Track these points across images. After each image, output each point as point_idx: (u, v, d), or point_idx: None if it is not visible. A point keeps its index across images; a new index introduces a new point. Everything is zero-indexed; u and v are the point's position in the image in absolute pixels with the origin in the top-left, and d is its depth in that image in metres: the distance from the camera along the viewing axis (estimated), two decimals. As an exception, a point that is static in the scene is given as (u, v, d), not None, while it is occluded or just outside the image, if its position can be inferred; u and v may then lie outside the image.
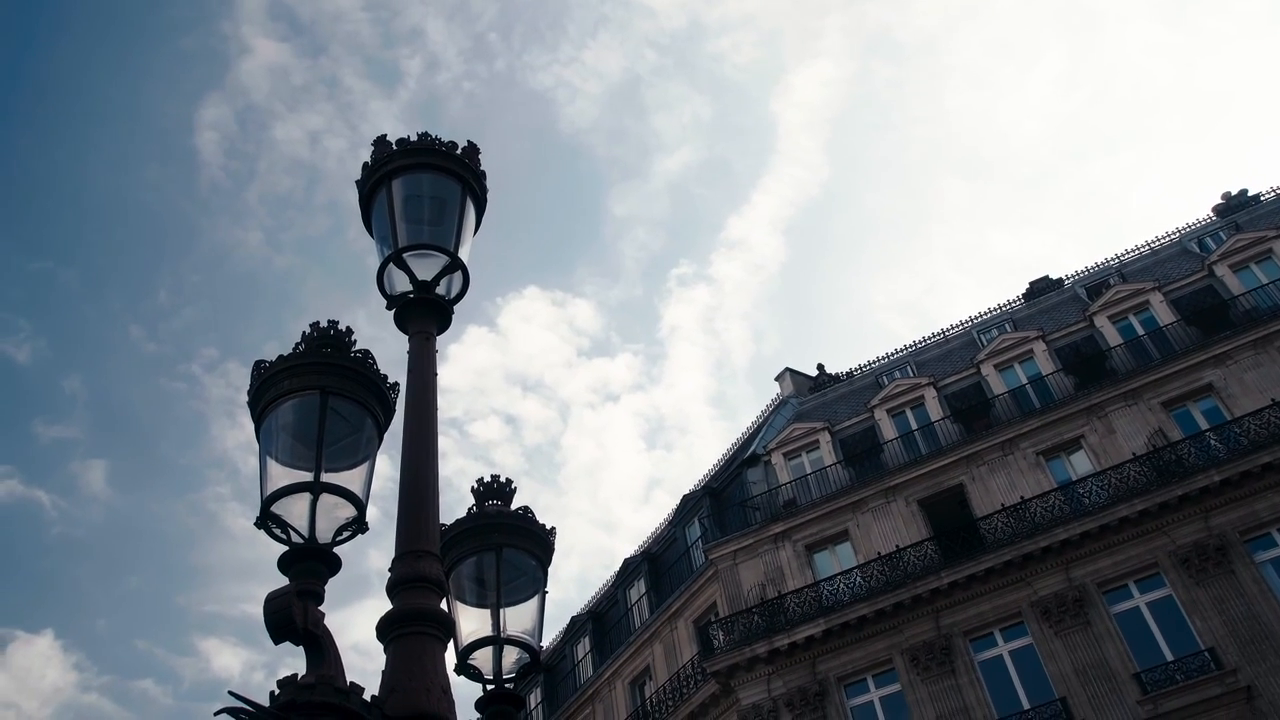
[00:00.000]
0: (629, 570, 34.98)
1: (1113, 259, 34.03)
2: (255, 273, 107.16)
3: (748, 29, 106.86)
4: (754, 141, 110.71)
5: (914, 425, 30.13)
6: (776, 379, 36.79)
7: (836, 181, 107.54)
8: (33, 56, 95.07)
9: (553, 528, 4.60)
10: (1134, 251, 33.66)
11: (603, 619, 35.73)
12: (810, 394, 35.58)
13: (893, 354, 35.14)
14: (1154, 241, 33.47)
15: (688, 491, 34.21)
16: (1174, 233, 33.33)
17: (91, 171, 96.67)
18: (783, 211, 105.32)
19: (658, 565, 33.77)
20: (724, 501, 31.69)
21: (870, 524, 28.01)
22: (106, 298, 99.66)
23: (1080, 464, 26.97)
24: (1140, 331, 28.81)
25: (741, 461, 32.09)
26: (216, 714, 2.76)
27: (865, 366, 35.48)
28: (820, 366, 36.72)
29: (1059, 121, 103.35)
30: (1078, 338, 29.98)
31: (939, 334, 34.82)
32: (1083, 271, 34.45)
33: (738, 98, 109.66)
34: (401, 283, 4.74)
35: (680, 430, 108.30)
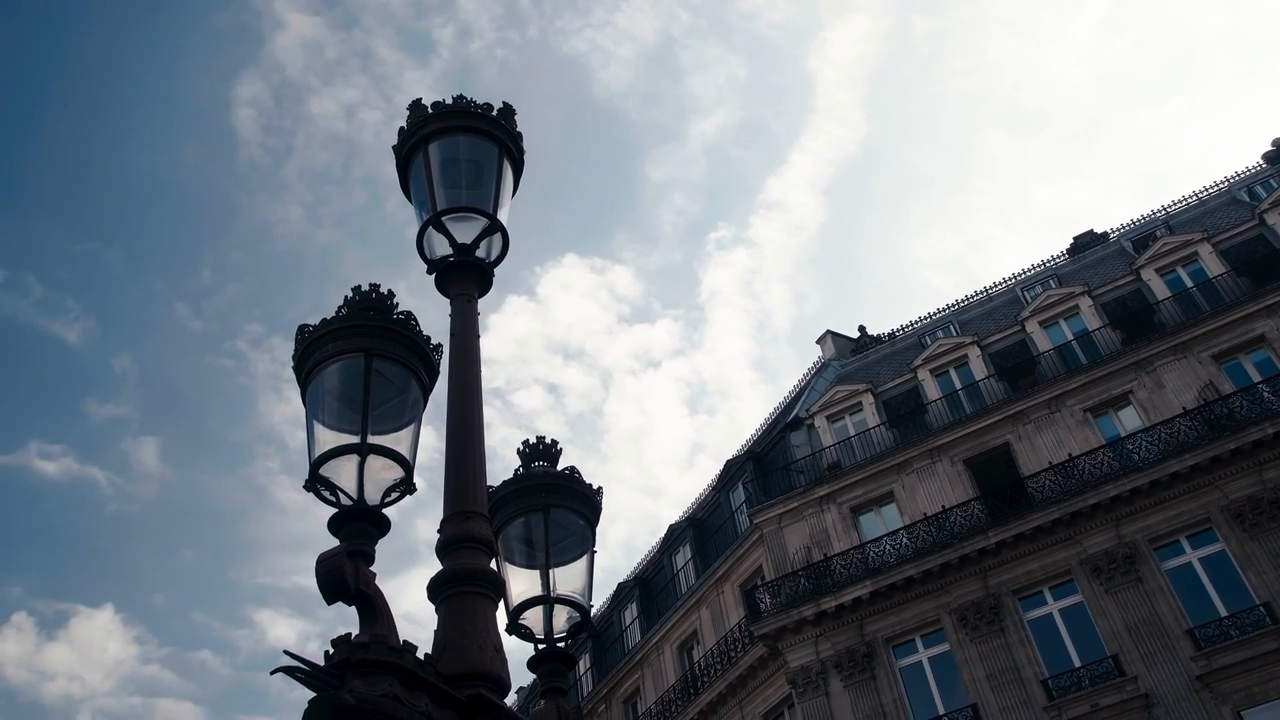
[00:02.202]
0: (674, 536, 35.12)
1: (1159, 211, 33.35)
2: (296, 248, 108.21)
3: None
4: (791, 101, 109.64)
5: (958, 385, 29.86)
6: (818, 342, 36.57)
7: (875, 138, 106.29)
8: (69, 39, 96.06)
9: (599, 488, 4.58)
10: (1181, 202, 32.97)
11: (649, 585, 35.95)
12: (852, 356, 35.34)
13: (935, 314, 34.78)
14: (1202, 191, 32.74)
15: (731, 456, 34.22)
16: (1222, 182, 32.59)
17: (132, 152, 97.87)
18: (821, 171, 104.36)
19: (703, 530, 33.87)
20: (767, 466, 31.65)
21: (915, 485, 27.86)
22: (151, 277, 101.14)
23: (1129, 420, 26.61)
24: (1189, 284, 28.27)
25: (784, 425, 32.01)
26: (273, 673, 2.78)
27: (907, 327, 35.16)
28: (862, 328, 36.45)
29: (1103, 69, 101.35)
30: (1124, 292, 29.48)
31: (982, 292, 34.39)
32: (1128, 224, 33.80)
33: (773, 56, 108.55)
34: (441, 246, 4.72)
35: (722, 395, 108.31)
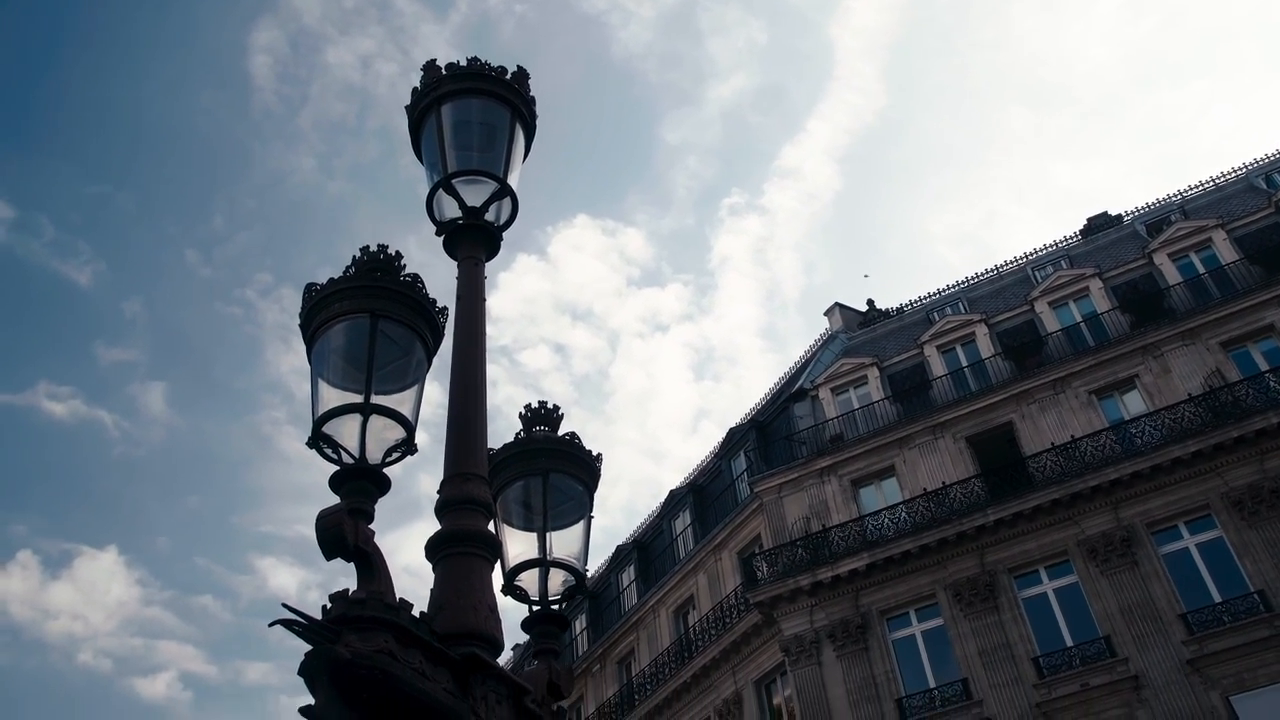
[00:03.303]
0: (674, 501, 35.31)
1: (1175, 195, 33.15)
2: (308, 199, 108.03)
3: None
4: (810, 68, 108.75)
5: (964, 362, 29.85)
6: (825, 314, 36.56)
7: (894, 109, 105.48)
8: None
9: (599, 454, 4.62)
10: (1198, 188, 32.75)
11: (648, 548, 36.20)
12: (859, 329, 35.34)
13: (944, 290, 34.70)
14: (1219, 177, 32.51)
15: (734, 424, 34.31)
16: (1241, 168, 32.35)
17: (147, 96, 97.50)
18: (838, 140, 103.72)
19: (703, 497, 34.05)
20: (770, 435, 31.75)
21: (917, 460, 27.95)
22: (163, 222, 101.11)
23: (1134, 404, 26.62)
24: (1201, 270, 28.15)
25: (789, 396, 32.07)
26: (272, 625, 2.84)
27: (916, 302, 35.11)
28: (870, 302, 36.42)
29: (1127, 48, 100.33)
30: (1136, 275, 29.37)
31: (992, 270, 34.29)
32: (1143, 208, 33.62)
33: (795, 22, 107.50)
34: (451, 209, 4.74)
35: (729, 361, 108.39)
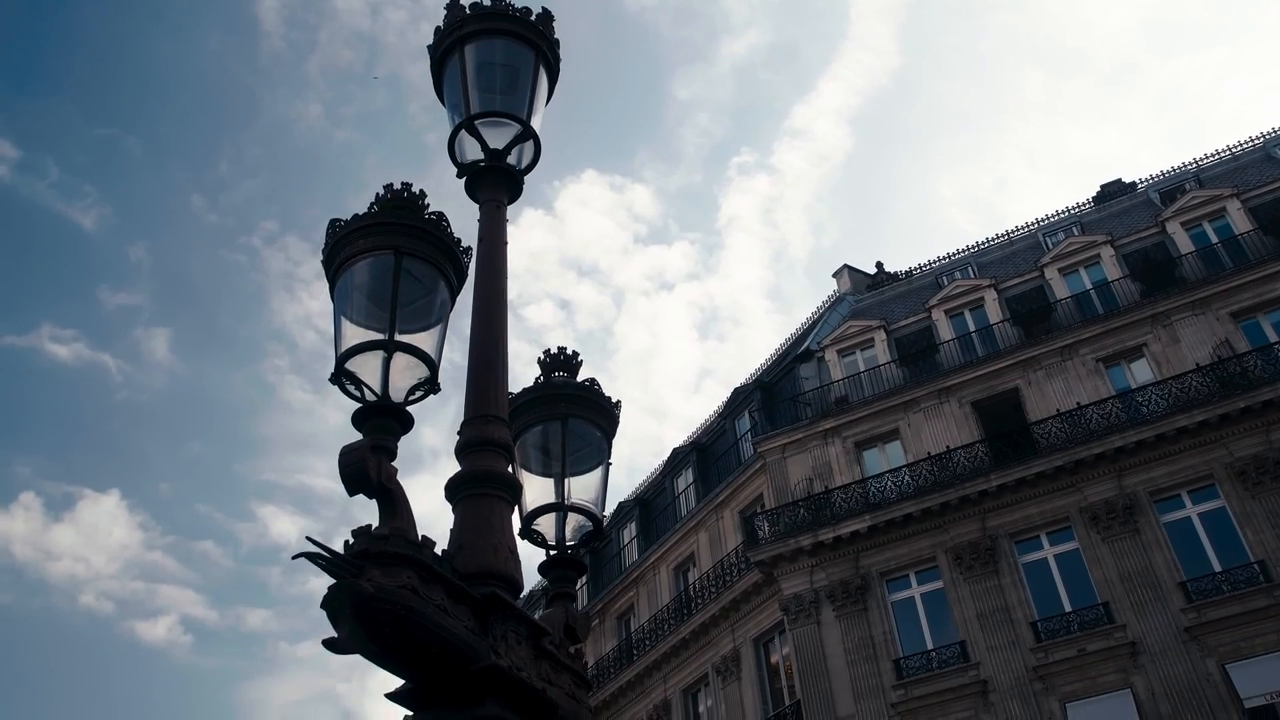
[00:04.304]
0: (677, 459, 35.41)
1: (1190, 164, 32.87)
2: (315, 146, 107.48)
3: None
4: (824, 25, 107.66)
5: (972, 327, 29.78)
6: (834, 275, 36.45)
7: (908, 70, 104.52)
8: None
9: (618, 401, 4.61)
10: (1214, 156, 32.46)
11: (649, 506, 36.36)
12: (868, 292, 35.24)
13: (954, 254, 34.54)
14: (1235, 146, 32.21)
15: (739, 384, 34.33)
16: (1258, 137, 32.04)
17: (154, 39, 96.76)
18: (850, 100, 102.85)
19: (706, 455, 34.14)
20: (775, 396, 31.78)
21: (921, 424, 27.97)
22: (169, 167, 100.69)
23: (1141, 373, 26.57)
24: (1214, 239, 27.98)
25: (795, 357, 32.05)
26: (294, 558, 2.83)
27: (925, 266, 34.97)
28: (879, 264, 36.30)
29: (1147, 11, 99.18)
30: (1148, 243, 29.20)
31: (1003, 235, 34.11)
32: (1158, 176, 33.35)
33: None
34: (473, 151, 4.68)
35: (734, 322, 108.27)
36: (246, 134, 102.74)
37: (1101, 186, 34.05)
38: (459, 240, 3.81)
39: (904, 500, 26.29)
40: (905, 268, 35.53)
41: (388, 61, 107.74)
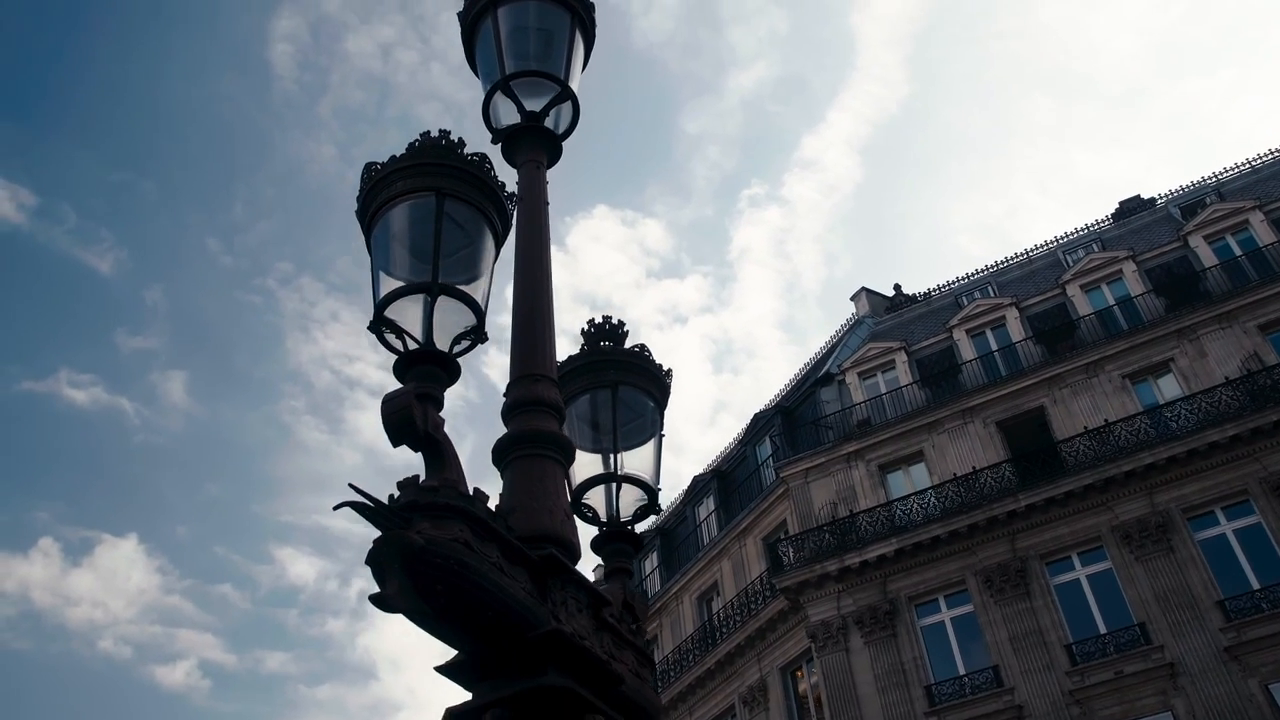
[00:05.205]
0: (698, 488, 34.98)
1: (1210, 177, 32.58)
2: (328, 187, 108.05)
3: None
4: (832, 57, 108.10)
5: (994, 346, 29.40)
6: (852, 298, 36.14)
7: (917, 99, 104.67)
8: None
9: (669, 369, 4.31)
10: (1232, 170, 32.18)
11: (671, 535, 35.89)
12: (886, 314, 34.91)
13: (973, 274, 34.21)
14: (1255, 159, 31.93)
15: (759, 410, 33.95)
16: (1276, 150, 31.73)
17: (168, 83, 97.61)
18: (859, 130, 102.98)
19: (727, 483, 33.71)
20: (796, 420, 31.40)
21: (946, 445, 27.53)
22: (184, 210, 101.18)
23: (1169, 388, 26.14)
24: (1238, 252, 27.62)
25: (815, 380, 31.69)
26: (336, 508, 2.55)
27: (944, 287, 34.63)
28: (897, 287, 35.96)
29: (1154, 36, 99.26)
30: (1170, 258, 28.85)
31: (1022, 254, 33.78)
32: (1176, 191, 33.05)
33: (816, 10, 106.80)
34: (508, 117, 4.44)
35: (748, 354, 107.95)
36: (260, 176, 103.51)
37: (1120, 203, 33.76)
38: (503, 184, 3.54)
39: (930, 523, 25.81)
40: (923, 289, 35.19)
41: (399, 102, 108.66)
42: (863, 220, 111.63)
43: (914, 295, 35.24)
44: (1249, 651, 21.70)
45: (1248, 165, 31.96)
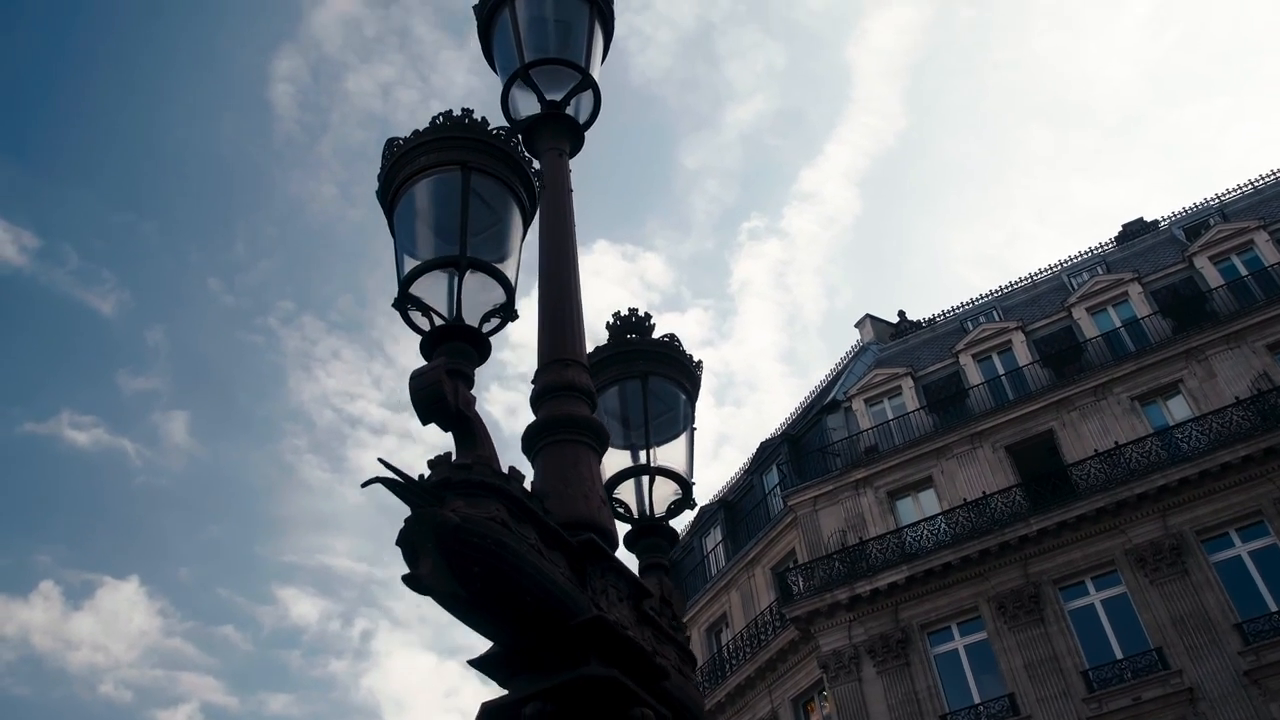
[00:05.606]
0: (704, 518, 34.68)
1: (1212, 199, 32.56)
2: (330, 225, 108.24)
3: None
4: (828, 90, 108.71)
5: (1001, 370, 29.22)
6: (856, 325, 36.02)
7: (914, 130, 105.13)
8: (109, 9, 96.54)
9: (699, 361, 4.15)
10: (1235, 191, 32.16)
11: (678, 567, 35.51)
12: (891, 340, 34.76)
13: (977, 299, 34.11)
14: (1257, 180, 31.91)
15: (765, 438, 33.71)
16: (1278, 170, 31.71)
17: (169, 124, 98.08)
18: (857, 163, 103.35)
19: (734, 513, 33.42)
20: (802, 448, 31.15)
21: (955, 470, 27.29)
22: (186, 250, 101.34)
23: (1178, 409, 25.93)
24: (1243, 272, 27.51)
25: (821, 408, 31.49)
26: (365, 484, 2.38)
27: (949, 312, 34.50)
28: (901, 313, 35.84)
29: (1149, 65, 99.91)
30: (1176, 279, 28.75)
31: (1026, 278, 33.69)
32: (1179, 213, 33.03)
33: (813, 45, 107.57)
34: (528, 108, 4.33)
35: (750, 386, 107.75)
36: (261, 215, 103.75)
37: (1123, 226, 33.70)
38: (530, 160, 3.40)
39: (941, 549, 25.51)
40: (927, 316, 35.09)
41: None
42: (862, 252, 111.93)
43: (918, 321, 35.11)
44: (1269, 675, 21.35)
45: (1250, 186, 31.95)
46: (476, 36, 4.76)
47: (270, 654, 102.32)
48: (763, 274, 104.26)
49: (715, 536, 33.47)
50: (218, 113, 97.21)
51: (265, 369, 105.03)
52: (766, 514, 31.23)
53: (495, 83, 4.57)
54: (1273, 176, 31.71)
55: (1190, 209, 32.84)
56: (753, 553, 30.56)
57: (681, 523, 39.44)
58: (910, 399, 29.75)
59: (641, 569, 3.62)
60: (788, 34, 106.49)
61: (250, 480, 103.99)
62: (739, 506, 33.45)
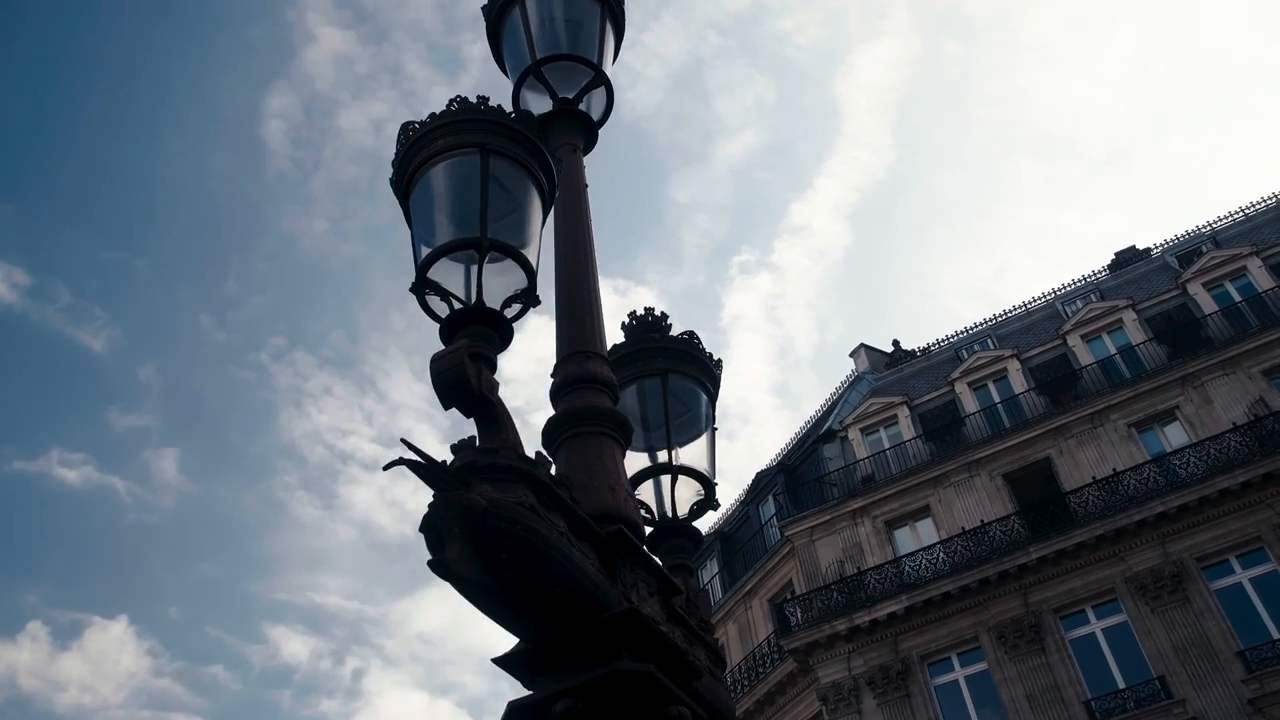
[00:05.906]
0: (701, 550, 34.40)
1: (1204, 226, 32.70)
2: (322, 261, 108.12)
3: (811, 9, 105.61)
4: (818, 124, 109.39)
5: (996, 398, 29.16)
6: (851, 355, 35.96)
7: (903, 164, 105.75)
8: (101, 46, 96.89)
9: (719, 359, 4.04)
10: (1227, 218, 32.31)
11: (674, 600, 35.24)
12: (886, 370, 34.70)
13: (972, 328, 34.10)
14: (1249, 207, 32.08)
15: (761, 469, 33.53)
16: (1270, 198, 31.89)
17: (161, 161, 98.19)
18: (847, 196, 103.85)
19: (730, 544, 33.17)
20: (798, 479, 30.98)
21: (953, 499, 27.13)
22: (177, 287, 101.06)
23: (1175, 436, 25.86)
24: (1237, 298, 27.57)
25: (817, 438, 31.35)
26: (387, 467, 2.25)
27: (943, 341, 34.49)
28: (896, 342, 35.79)
29: (1134, 98, 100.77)
30: (1170, 306, 28.79)
31: (1020, 306, 33.72)
32: (1171, 240, 33.16)
33: (802, 80, 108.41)
34: (539, 106, 4.25)
35: (742, 420, 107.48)
36: (253, 251, 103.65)
37: (1116, 254, 33.82)
38: (548, 143, 3.30)
39: (940, 578, 25.31)
40: (922, 345, 35.06)
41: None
42: (853, 284, 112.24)
43: (913, 350, 35.08)
44: (1273, 704, 21.14)
45: (1241, 213, 32.10)
46: (485, 38, 4.70)
47: (261, 694, 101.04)
48: (754, 307, 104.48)
49: (712, 568, 33.19)
50: (210, 150, 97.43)
51: (257, 405, 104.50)
52: (763, 545, 31.01)
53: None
54: (1265, 203, 31.89)
55: (1182, 236, 32.97)
56: (750, 584, 30.30)
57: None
58: (906, 428, 29.64)
59: (668, 570, 3.48)
60: (777, 69, 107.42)
61: (241, 518, 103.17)
62: (735, 538, 33.22)
